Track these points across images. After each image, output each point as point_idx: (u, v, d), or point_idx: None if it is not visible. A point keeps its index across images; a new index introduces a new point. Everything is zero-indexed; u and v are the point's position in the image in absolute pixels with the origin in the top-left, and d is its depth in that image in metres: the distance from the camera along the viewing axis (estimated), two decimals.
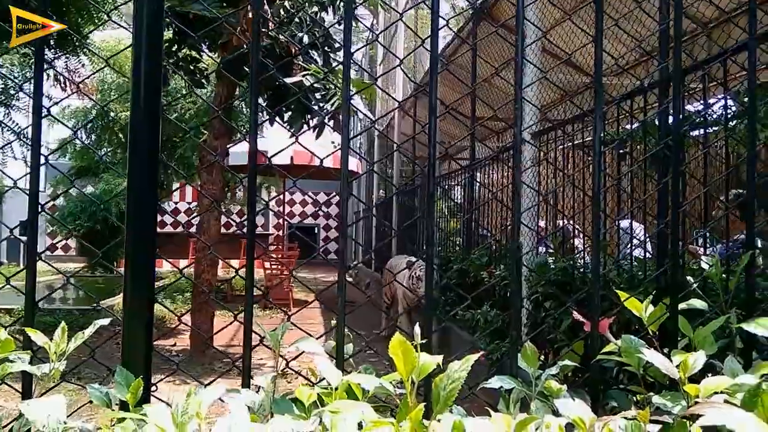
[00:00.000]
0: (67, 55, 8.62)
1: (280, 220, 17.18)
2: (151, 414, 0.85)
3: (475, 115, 7.16)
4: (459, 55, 7.78)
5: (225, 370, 5.24)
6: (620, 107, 3.26)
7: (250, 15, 5.53)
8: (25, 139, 7.82)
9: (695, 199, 3.05)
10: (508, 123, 9.29)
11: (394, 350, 0.81)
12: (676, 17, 1.24)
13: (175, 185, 15.58)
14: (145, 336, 1.05)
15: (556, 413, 1.09)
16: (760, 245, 2.83)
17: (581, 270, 3.87)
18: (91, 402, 1.03)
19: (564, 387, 1.11)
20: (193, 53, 6.42)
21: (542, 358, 4.15)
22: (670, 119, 2.41)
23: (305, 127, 5.85)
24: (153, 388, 1.08)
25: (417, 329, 0.92)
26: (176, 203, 19.15)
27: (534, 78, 4.93)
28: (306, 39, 5.93)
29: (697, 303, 1.29)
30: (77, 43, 7.49)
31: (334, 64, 5.99)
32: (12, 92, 6.99)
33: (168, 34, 6.87)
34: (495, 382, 1.12)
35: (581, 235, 5.51)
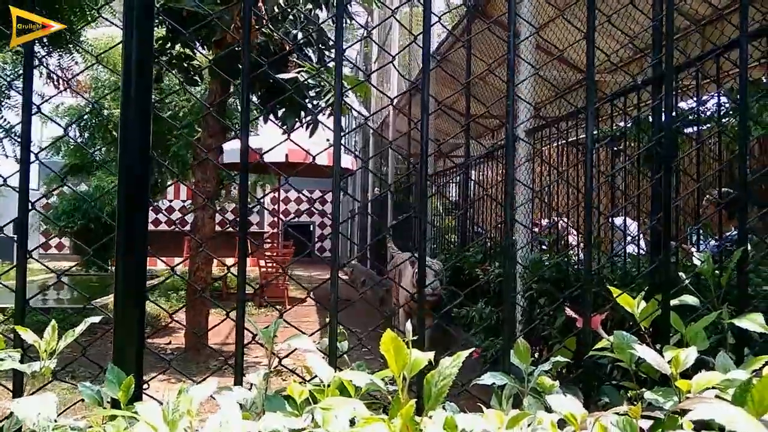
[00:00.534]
0: (60, 53, 8.58)
1: (275, 218, 17.16)
2: (143, 412, 0.85)
3: (469, 113, 7.16)
4: (452, 51, 7.78)
5: (220, 368, 5.24)
6: (613, 104, 3.27)
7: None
8: (15, 137, 7.78)
9: (688, 196, 3.06)
10: (502, 120, 9.31)
11: (385, 347, 0.81)
12: (667, 14, 1.24)
13: (170, 183, 15.53)
14: (136, 334, 1.04)
15: (548, 409, 1.09)
16: (752, 241, 2.85)
17: (575, 266, 3.88)
18: (83, 400, 1.03)
19: (556, 383, 1.11)
20: (187, 51, 6.40)
21: (537, 354, 4.17)
22: (663, 116, 2.41)
23: (299, 124, 5.84)
24: (145, 386, 1.08)
25: (408, 326, 0.92)
26: (171, 201, 19.10)
27: (528, 75, 4.94)
28: (300, 36, 5.91)
29: (689, 299, 1.29)
30: (70, 41, 7.46)
31: (329, 61, 5.98)
32: (3, 90, 6.94)
33: (161, 31, 6.85)
34: (488, 379, 1.12)
35: (575, 232, 5.52)
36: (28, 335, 0.99)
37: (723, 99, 4.35)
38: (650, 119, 1.81)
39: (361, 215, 15.39)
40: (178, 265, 1.69)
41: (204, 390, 0.85)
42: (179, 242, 13.72)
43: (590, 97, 1.16)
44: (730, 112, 3.71)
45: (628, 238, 4.16)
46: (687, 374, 1.16)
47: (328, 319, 1.81)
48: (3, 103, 7.48)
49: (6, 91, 7.60)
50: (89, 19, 7.49)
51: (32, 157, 1.22)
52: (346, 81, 6.10)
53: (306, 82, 5.57)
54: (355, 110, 4.20)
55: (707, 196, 3.52)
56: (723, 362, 1.23)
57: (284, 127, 5.66)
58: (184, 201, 19.04)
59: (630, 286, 2.38)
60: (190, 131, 9.98)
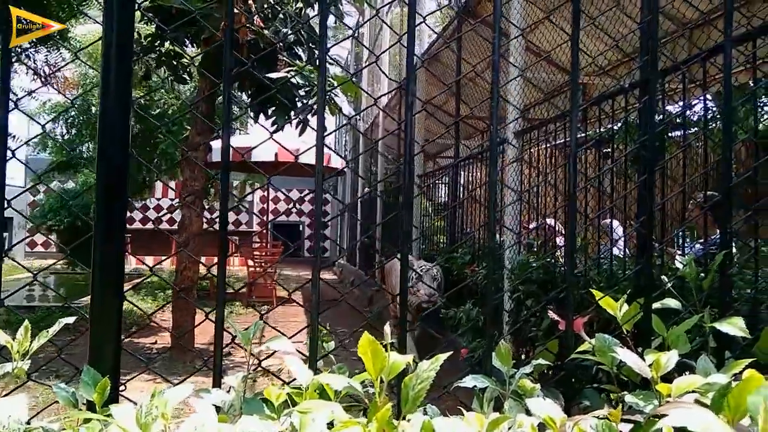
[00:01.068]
0: (48, 50, 8.50)
1: (265, 218, 17.10)
2: (117, 414, 0.83)
3: (459, 113, 7.17)
4: (441, 49, 7.79)
5: (200, 368, 5.20)
6: (600, 108, 3.28)
7: (235, 10, 5.49)
8: None
9: (675, 199, 3.07)
10: (487, 122, 9.32)
11: (362, 350, 0.80)
12: (650, 19, 1.25)
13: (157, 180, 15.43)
14: (113, 334, 1.02)
15: (529, 412, 1.09)
16: (736, 244, 2.87)
17: (562, 268, 3.89)
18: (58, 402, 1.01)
19: (537, 386, 1.11)
20: (176, 48, 6.36)
21: (524, 356, 4.18)
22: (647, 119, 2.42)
23: (289, 123, 5.82)
24: (122, 387, 1.06)
25: (387, 328, 0.91)
26: (159, 200, 18.97)
27: (515, 76, 4.95)
28: (290, 35, 5.90)
29: (671, 302, 1.29)
30: (57, 37, 7.39)
31: (317, 59, 5.97)
32: None
33: (150, 28, 6.80)
34: (469, 381, 1.11)
35: (563, 234, 5.54)
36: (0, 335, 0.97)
37: (710, 103, 4.38)
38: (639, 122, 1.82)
39: (351, 215, 15.37)
40: (159, 263, 1.67)
41: (179, 393, 0.83)
42: (168, 241, 13.62)
43: (575, 100, 1.16)
44: (717, 116, 3.74)
45: (618, 241, 4.18)
46: (669, 377, 1.16)
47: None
48: None
49: None
50: (77, 14, 7.44)
51: (13, 153, 1.20)
52: (335, 80, 6.10)
53: (296, 82, 5.55)
54: (343, 111, 4.19)
55: (693, 199, 3.54)
56: (704, 366, 1.23)
57: (273, 126, 5.63)
58: (172, 199, 18.92)
59: (613, 288, 2.39)
60: (179, 129, 9.92)
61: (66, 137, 11.40)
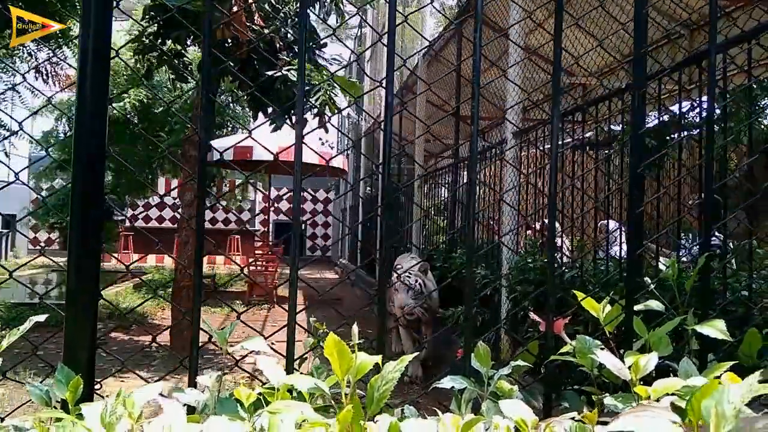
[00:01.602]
0: (51, 48, 8.52)
1: (266, 217, 17.12)
2: (87, 413, 0.83)
3: (459, 113, 7.16)
4: (425, 48, 7.77)
5: (175, 368, 5.20)
6: (597, 109, 3.27)
7: (234, 8, 5.49)
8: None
9: (669, 201, 3.06)
10: (493, 121, 9.29)
11: (328, 350, 0.80)
12: (636, 24, 1.24)
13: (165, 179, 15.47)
14: (88, 332, 1.02)
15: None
16: (731, 246, 2.85)
17: (562, 268, 3.87)
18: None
19: (515, 387, 1.11)
20: (177, 47, 6.36)
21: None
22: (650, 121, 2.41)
23: (287, 122, 5.82)
24: (97, 386, 1.06)
25: (355, 328, 0.91)
26: (162, 197, 18.99)
27: (517, 78, 4.94)
28: (290, 34, 5.90)
29: (654, 304, 1.29)
30: (59, 36, 7.40)
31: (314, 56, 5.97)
32: None
33: (152, 27, 6.81)
34: (447, 382, 1.11)
35: (563, 234, 5.53)
36: None
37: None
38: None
39: (353, 215, 15.37)
40: (134, 260, 1.67)
41: (147, 392, 0.83)
42: (171, 239, 13.63)
43: (556, 106, 1.15)
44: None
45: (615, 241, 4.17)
46: (649, 380, 1.15)
47: (312, 318, 1.79)
48: None
49: None
50: (79, 12, 7.45)
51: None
52: (336, 81, 6.10)
53: (294, 80, 5.55)
54: (344, 110, 4.18)
55: (690, 201, 3.53)
56: (686, 368, 1.23)
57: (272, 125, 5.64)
58: (175, 198, 18.95)
59: (611, 290, 2.38)
60: (181, 128, 9.94)
61: (69, 135, 11.43)
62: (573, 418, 1.00)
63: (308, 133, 1.19)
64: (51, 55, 7.85)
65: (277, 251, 11.23)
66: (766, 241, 3.00)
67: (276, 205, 20.61)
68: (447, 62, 8.53)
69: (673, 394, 1.09)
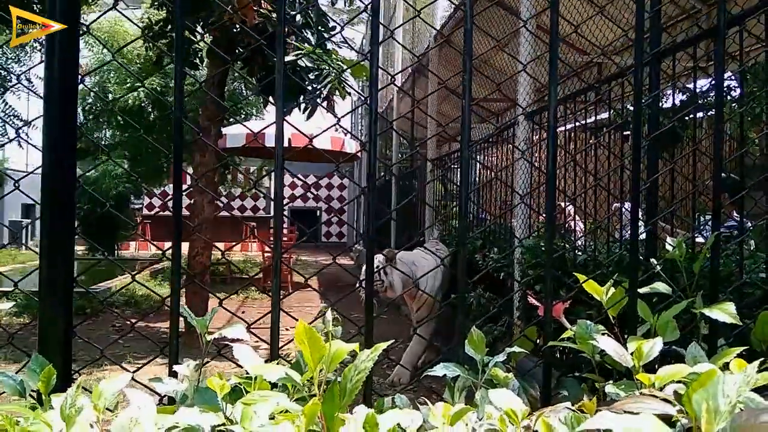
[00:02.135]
0: None
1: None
2: (56, 404, 0.80)
3: (470, 96, 7.02)
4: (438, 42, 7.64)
5: (156, 356, 5.21)
6: (610, 88, 3.17)
7: None
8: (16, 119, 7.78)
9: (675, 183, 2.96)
10: (507, 103, 9.15)
11: (299, 338, 0.76)
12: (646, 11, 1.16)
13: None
14: (63, 320, 0.99)
15: None
16: (750, 226, 2.76)
17: (578, 252, 3.79)
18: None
19: (511, 375, 1.06)
20: (187, 34, 6.33)
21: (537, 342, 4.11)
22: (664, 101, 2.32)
23: (297, 107, 5.77)
24: (75, 375, 1.03)
25: (329, 315, 0.86)
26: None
27: (529, 57, 4.83)
28: (299, 18, 5.83)
29: (660, 286, 1.22)
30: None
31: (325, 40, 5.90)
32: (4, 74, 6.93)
33: (162, 14, 6.78)
34: (439, 370, 1.07)
35: (578, 217, 5.44)
36: None
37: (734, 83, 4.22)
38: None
39: (367, 200, 15.28)
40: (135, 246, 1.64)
41: (114, 384, 0.80)
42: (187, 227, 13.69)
43: (552, 72, 1.09)
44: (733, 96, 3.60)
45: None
46: (653, 367, 1.10)
47: (323, 305, 1.76)
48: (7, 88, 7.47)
49: (8, 75, 7.60)
50: (89, 2, 7.45)
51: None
52: (345, 64, 6.02)
53: (303, 65, 5.49)
54: (356, 91, 4.13)
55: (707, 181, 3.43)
56: (693, 354, 1.17)
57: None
58: (190, 186, 19.02)
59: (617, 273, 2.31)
60: (195, 115, 9.96)
61: (85, 124, 11.51)
62: (570, 407, 0.95)
63: (331, 126, 1.14)
64: None
65: (291, 237, 11.23)
66: None
67: (291, 191, 20.63)
68: (458, 43, 8.40)
69: (679, 382, 1.03)
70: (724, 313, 1.11)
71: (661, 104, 2.92)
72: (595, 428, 0.63)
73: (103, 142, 11.86)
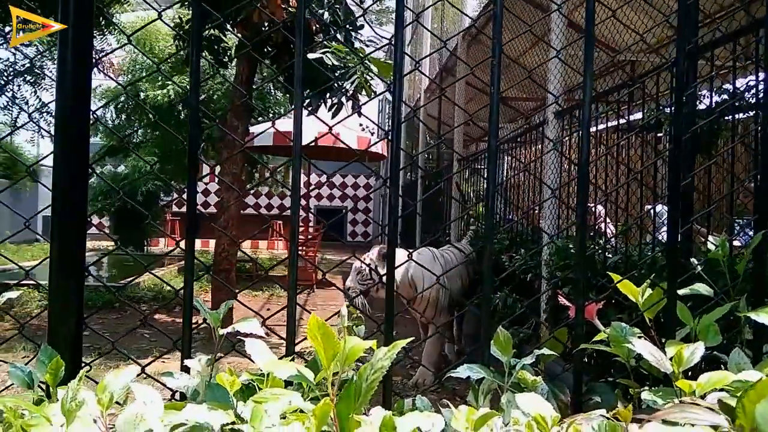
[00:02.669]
0: (95, 36, 8.68)
1: (307, 203, 17.17)
2: (61, 396, 0.77)
3: (498, 95, 6.92)
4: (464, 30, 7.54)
5: (163, 354, 5.22)
6: (644, 88, 3.07)
7: None
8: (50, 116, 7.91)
9: (722, 183, 2.85)
10: (538, 102, 9.02)
11: (311, 333, 0.71)
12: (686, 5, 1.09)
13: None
14: (73, 313, 0.97)
15: None
16: None
17: (607, 254, 3.69)
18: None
19: (539, 378, 1.00)
20: (217, 32, 6.36)
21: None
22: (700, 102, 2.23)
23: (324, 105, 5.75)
24: (86, 367, 1.00)
25: (344, 310, 0.81)
26: (207, 184, 19.31)
27: (561, 53, 4.72)
28: (327, 16, 5.81)
29: (701, 288, 1.15)
30: (102, 24, 7.53)
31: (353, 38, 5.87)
32: (37, 71, 7.05)
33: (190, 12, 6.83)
34: (463, 372, 1.01)
35: (608, 219, 5.31)
36: None
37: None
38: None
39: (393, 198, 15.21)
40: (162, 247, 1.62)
41: (125, 375, 0.76)
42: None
43: (586, 97, 1.02)
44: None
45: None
46: (694, 373, 1.03)
47: (346, 303, 1.72)
48: (38, 84, 7.62)
49: (41, 72, 7.74)
50: (120, 2, 7.55)
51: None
52: (372, 63, 5.98)
53: (330, 63, 5.46)
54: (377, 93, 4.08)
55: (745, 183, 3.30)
56: (737, 360, 1.09)
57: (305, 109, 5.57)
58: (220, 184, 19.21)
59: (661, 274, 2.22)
60: (224, 114, 10.05)
61: (116, 122, 11.71)
62: (605, 415, 0.89)
63: (345, 118, 1.10)
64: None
65: (316, 235, 11.25)
66: None
67: (317, 190, 20.69)
68: (488, 44, 8.29)
69: (722, 390, 0.96)
70: None
71: (697, 105, 2.81)
72: None
73: (134, 140, 12.05)
